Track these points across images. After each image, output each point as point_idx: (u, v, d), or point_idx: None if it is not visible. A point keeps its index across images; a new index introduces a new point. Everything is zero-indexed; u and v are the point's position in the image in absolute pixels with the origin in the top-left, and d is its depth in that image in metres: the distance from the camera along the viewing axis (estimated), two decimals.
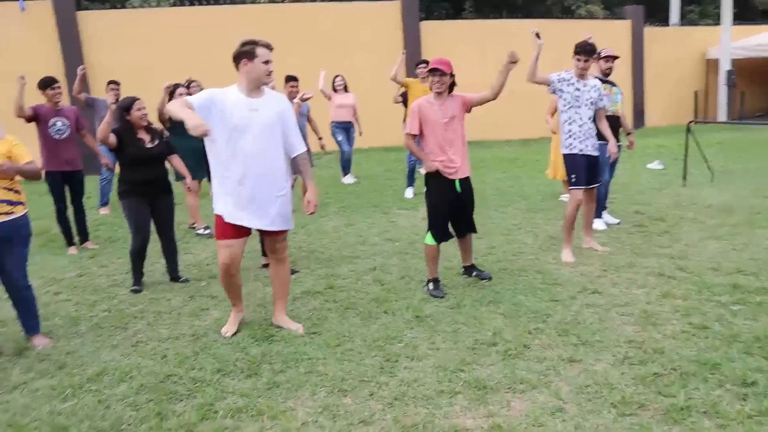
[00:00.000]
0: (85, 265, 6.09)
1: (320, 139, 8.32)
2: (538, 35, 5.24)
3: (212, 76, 9.33)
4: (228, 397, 3.38)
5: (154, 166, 5.19)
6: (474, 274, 5.11)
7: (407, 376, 3.50)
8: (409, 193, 8.73)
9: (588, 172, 5.54)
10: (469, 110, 4.82)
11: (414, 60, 11.48)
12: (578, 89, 5.42)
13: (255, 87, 3.92)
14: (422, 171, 5.11)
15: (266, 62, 3.86)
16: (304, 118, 7.96)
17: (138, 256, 5.21)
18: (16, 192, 3.96)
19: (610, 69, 6.34)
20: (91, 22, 12.60)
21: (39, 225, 8.00)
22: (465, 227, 5.02)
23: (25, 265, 4.12)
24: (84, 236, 6.83)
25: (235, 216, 3.95)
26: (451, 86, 4.73)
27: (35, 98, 6.41)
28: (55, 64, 11.95)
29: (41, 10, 12.10)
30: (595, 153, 5.54)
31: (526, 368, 3.51)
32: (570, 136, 5.51)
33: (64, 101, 6.73)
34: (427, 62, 8.91)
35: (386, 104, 10.03)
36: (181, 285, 5.31)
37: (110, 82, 8.03)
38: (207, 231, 6.91)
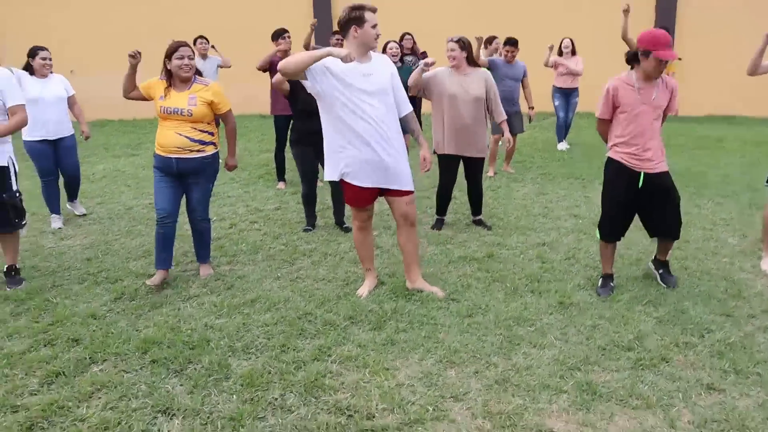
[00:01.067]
0: (285, 200, 6.77)
1: (531, 108, 8.02)
2: None
3: (462, 25, 9.46)
4: (346, 345, 3.61)
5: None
6: (660, 271, 4.48)
7: (520, 362, 3.39)
8: None
9: None
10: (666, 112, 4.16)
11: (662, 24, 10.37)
12: None
13: (364, 52, 3.93)
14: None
15: (374, 26, 3.86)
16: (518, 83, 7.74)
17: (307, 200, 5.67)
18: (210, 134, 4.47)
19: None
20: None
21: (266, 158, 9.05)
22: (662, 230, 4.31)
23: (207, 199, 4.64)
24: None
25: (359, 177, 4.00)
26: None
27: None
28: (306, 13, 13.07)
29: None
30: None
31: (652, 384, 3.18)
32: None
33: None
34: (666, 29, 8.03)
35: (620, 66, 9.31)
36: None
37: (334, 32, 8.52)
38: None
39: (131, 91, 4.41)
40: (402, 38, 7.74)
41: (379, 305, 4.10)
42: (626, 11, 7.41)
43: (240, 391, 3.17)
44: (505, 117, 5.66)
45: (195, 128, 4.36)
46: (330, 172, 4.10)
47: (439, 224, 5.76)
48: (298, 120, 5.53)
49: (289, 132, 5.81)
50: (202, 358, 3.49)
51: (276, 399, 3.08)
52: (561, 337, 3.69)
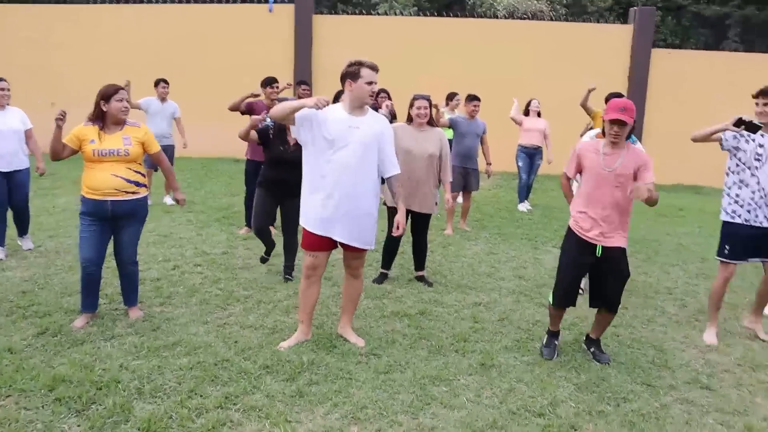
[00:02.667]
0: (235, 244, 6.76)
1: (488, 164, 8.12)
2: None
3: (435, 84, 9.68)
4: (255, 394, 3.56)
5: (291, 168, 5.36)
6: (592, 350, 4.37)
7: (426, 423, 3.35)
8: None
9: (754, 246, 4.73)
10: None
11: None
12: (762, 146, 4.62)
13: (357, 106, 4.03)
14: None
15: (369, 83, 3.94)
16: (478, 139, 7.89)
17: (260, 233, 5.71)
18: (142, 175, 4.49)
19: None
20: (325, 25, 13.73)
21: (228, 201, 9.07)
22: (602, 302, 4.25)
23: (137, 242, 4.61)
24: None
25: (320, 227, 4.06)
26: (629, 133, 4.07)
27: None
28: (288, 62, 13.33)
29: (284, 12, 13.54)
30: None
31: None
32: (735, 202, 4.75)
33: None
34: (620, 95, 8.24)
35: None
36: (296, 282, 5.61)
37: (301, 82, 8.64)
38: None
39: (62, 150, 4.34)
40: (377, 95, 7.86)
41: (299, 356, 4.06)
42: (592, 90, 7.60)
43: None
44: (451, 179, 5.77)
45: (130, 169, 4.37)
46: (302, 219, 4.16)
47: (381, 278, 5.75)
48: (267, 167, 5.61)
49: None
50: (106, 399, 3.42)
51: None
52: (474, 398, 3.66)
